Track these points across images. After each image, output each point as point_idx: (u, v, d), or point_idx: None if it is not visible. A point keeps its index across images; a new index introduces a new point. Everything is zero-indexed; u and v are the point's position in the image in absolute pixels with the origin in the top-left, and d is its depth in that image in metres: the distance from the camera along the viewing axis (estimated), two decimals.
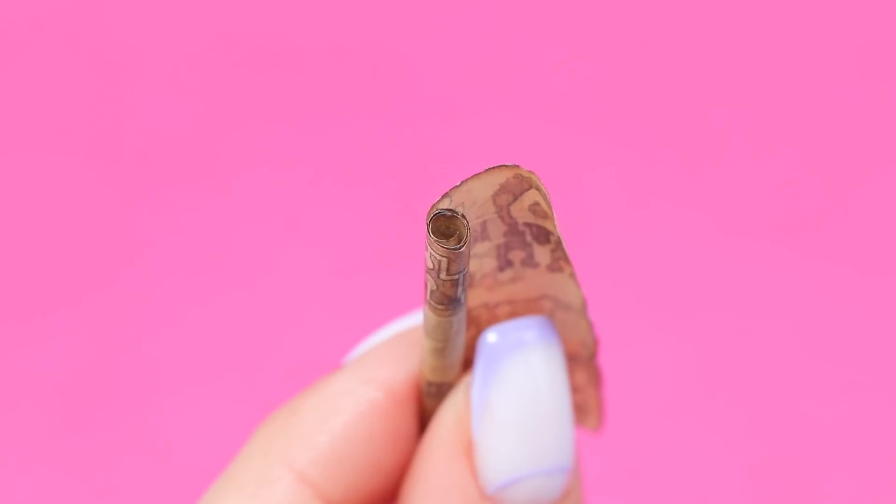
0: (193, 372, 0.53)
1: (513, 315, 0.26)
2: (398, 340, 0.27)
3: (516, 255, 0.25)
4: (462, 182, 0.23)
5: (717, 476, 0.51)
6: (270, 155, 0.57)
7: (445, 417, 0.26)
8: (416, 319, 0.27)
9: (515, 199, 0.24)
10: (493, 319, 0.26)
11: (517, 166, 0.23)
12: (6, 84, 0.58)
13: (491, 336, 0.26)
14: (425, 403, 0.27)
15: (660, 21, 0.59)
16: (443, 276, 0.23)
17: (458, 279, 0.23)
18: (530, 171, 0.24)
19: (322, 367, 0.54)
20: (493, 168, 0.23)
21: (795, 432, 0.52)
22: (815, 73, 0.59)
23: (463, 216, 0.23)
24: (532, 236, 0.25)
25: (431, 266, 0.23)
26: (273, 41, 0.59)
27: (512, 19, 0.60)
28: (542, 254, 0.25)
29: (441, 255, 0.23)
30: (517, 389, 0.25)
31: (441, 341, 0.25)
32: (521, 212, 0.24)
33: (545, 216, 0.24)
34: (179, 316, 0.54)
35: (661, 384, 0.53)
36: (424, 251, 0.23)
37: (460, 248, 0.22)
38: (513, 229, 0.25)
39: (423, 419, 0.27)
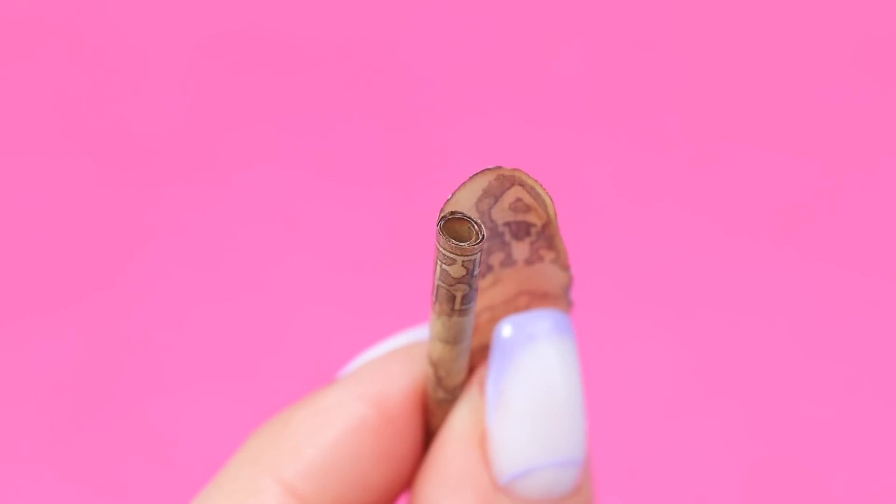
0: (193, 371, 0.53)
1: (493, 321, 0.26)
2: (393, 357, 0.27)
3: (496, 259, 0.25)
4: (452, 195, 0.24)
5: (717, 476, 0.51)
6: (271, 155, 0.57)
7: (460, 409, 0.26)
8: (411, 336, 0.28)
9: (497, 200, 0.24)
10: (476, 330, 0.26)
11: (499, 167, 0.24)
12: (7, 83, 0.58)
13: (505, 329, 0.26)
14: (440, 412, 0.27)
15: (658, 20, 0.60)
16: (475, 272, 0.24)
17: (479, 270, 0.24)
18: (514, 169, 0.24)
19: (321, 367, 0.54)
20: (476, 174, 0.24)
21: (795, 431, 0.52)
22: (815, 72, 0.59)
23: (452, 213, 0.23)
24: (511, 234, 0.25)
25: (464, 272, 0.23)
26: (274, 41, 0.59)
27: (511, 20, 0.60)
28: (519, 250, 0.25)
29: (471, 256, 0.23)
30: (530, 381, 0.26)
31: (468, 339, 0.25)
32: (501, 212, 0.25)
33: (527, 209, 0.25)
34: (179, 315, 0.54)
35: (660, 384, 0.53)
36: (444, 267, 0.23)
37: (482, 239, 0.23)
38: (493, 233, 0.25)
39: (429, 434, 0.27)
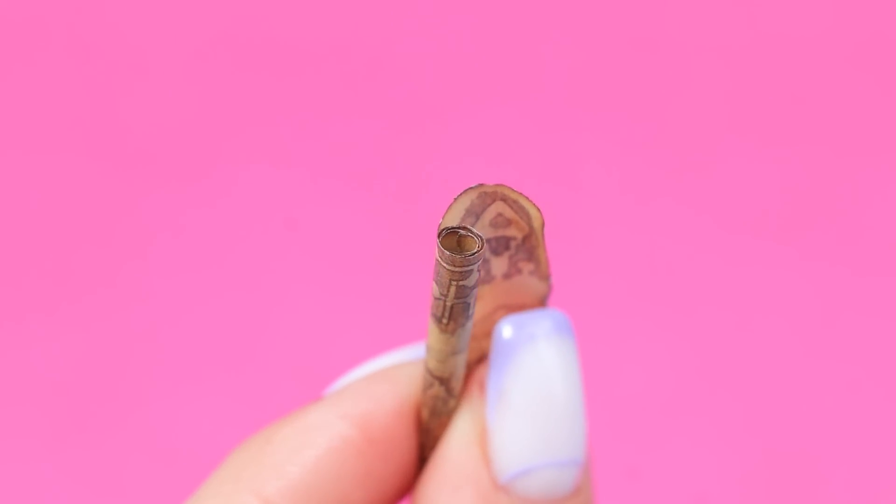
0: (193, 371, 0.53)
1: (473, 339, 0.27)
2: (379, 378, 0.27)
3: None
4: (441, 219, 0.24)
5: (717, 475, 0.51)
6: (270, 155, 0.57)
7: (462, 410, 0.27)
8: (397, 357, 0.28)
9: (478, 218, 0.25)
10: None
11: (481, 185, 0.24)
12: (6, 83, 0.58)
13: (506, 330, 0.26)
14: (449, 421, 0.27)
15: (658, 19, 0.59)
16: (482, 276, 0.24)
17: None
18: (496, 185, 0.24)
19: (320, 367, 0.54)
20: (460, 194, 0.24)
21: (795, 431, 0.52)
22: (814, 71, 0.59)
23: (439, 234, 0.23)
24: (490, 251, 0.25)
25: (476, 276, 0.24)
26: (273, 40, 0.59)
27: (511, 19, 0.60)
28: (498, 265, 0.26)
29: (481, 259, 0.24)
30: (530, 381, 0.26)
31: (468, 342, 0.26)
32: (482, 230, 0.25)
33: (507, 224, 0.25)
34: (179, 315, 0.54)
35: (660, 384, 0.53)
36: (460, 283, 0.24)
37: (482, 239, 0.23)
38: None
39: (428, 451, 0.27)
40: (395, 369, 0.27)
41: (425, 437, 0.27)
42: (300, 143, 0.57)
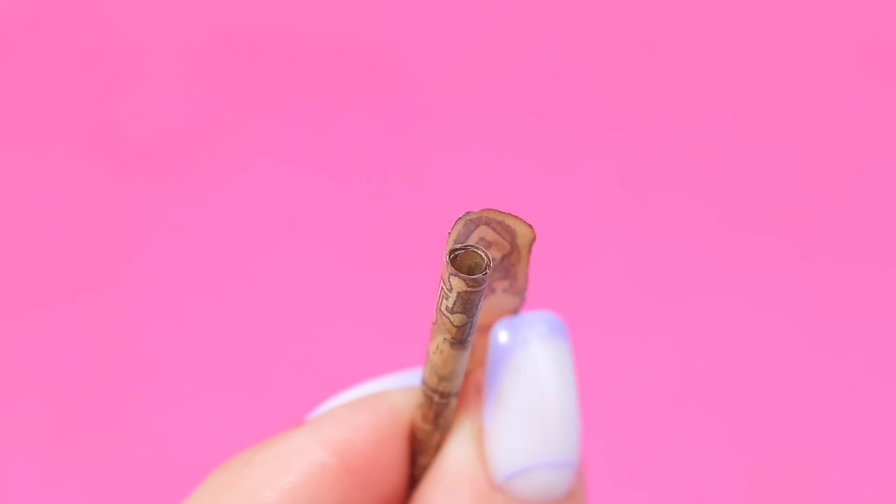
0: (191, 369, 0.53)
1: None
2: (361, 406, 0.27)
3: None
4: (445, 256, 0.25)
5: (717, 475, 0.51)
6: (271, 153, 0.57)
7: (460, 411, 0.27)
8: (382, 384, 0.28)
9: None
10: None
11: (468, 213, 0.25)
12: (5, 82, 0.58)
13: (502, 335, 0.26)
14: (433, 438, 0.27)
15: (661, 15, 0.59)
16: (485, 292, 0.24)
17: None
18: (482, 210, 0.25)
19: (319, 365, 0.54)
20: (451, 228, 0.25)
21: (796, 431, 0.52)
22: (817, 68, 0.59)
23: (449, 258, 0.24)
24: None
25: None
26: (273, 37, 0.59)
27: (511, 15, 0.60)
28: None
29: (489, 275, 0.24)
30: (525, 383, 0.26)
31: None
32: None
33: (489, 246, 0.25)
34: (177, 313, 0.54)
35: (661, 383, 0.53)
36: (482, 297, 0.24)
37: (487, 253, 0.24)
38: None
39: (414, 478, 0.28)
40: (378, 397, 0.27)
41: (434, 457, 0.27)
42: (301, 140, 0.57)
